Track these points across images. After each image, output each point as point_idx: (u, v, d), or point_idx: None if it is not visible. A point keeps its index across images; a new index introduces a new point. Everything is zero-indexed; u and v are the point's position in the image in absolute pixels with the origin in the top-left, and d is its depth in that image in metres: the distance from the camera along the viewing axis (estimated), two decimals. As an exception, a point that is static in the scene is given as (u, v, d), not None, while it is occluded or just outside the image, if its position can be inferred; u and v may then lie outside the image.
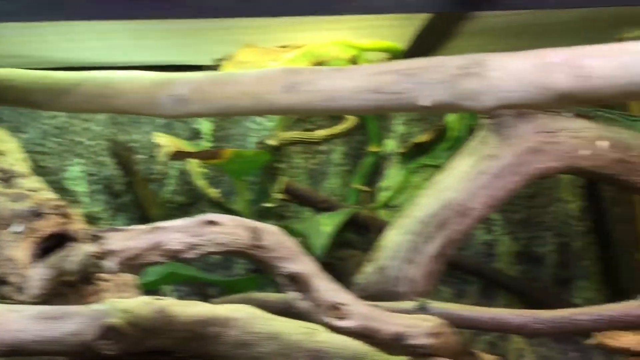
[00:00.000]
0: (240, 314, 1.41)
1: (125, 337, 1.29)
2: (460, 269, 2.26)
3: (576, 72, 1.07)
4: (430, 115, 2.23)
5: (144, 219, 2.13)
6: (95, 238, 1.16)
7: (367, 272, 1.72)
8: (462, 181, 1.65)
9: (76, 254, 1.25)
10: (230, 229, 1.21)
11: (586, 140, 1.68)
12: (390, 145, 2.25)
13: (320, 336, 1.40)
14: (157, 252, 1.17)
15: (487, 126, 1.66)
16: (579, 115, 1.70)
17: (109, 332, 1.26)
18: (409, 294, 1.65)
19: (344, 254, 2.18)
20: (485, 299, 2.30)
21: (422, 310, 1.41)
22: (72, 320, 1.27)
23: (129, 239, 1.17)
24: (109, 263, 1.15)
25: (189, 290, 2.14)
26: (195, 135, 2.22)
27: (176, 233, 1.19)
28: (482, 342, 2.24)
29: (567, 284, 2.31)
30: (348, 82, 1.24)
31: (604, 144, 1.67)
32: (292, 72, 1.28)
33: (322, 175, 2.30)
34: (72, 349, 1.28)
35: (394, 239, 1.69)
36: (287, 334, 1.41)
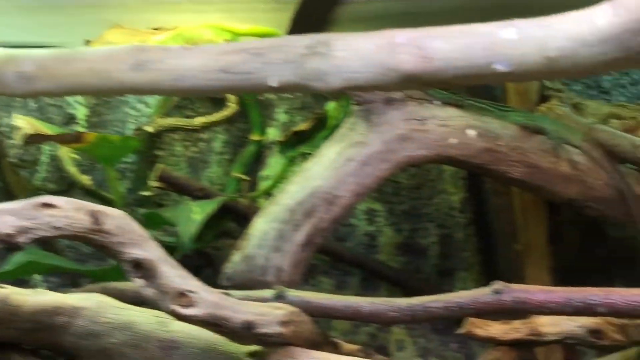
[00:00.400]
0: (89, 303, 1.36)
1: (-40, 327, 1.23)
2: (342, 260, 2.24)
3: (419, 53, 1.05)
4: (310, 102, 2.20)
5: (14, 206, 2.04)
6: None
7: (235, 261, 1.68)
8: (329, 169, 1.62)
9: None
10: (67, 212, 1.16)
11: (455, 129, 1.67)
12: (272, 134, 2.22)
13: (173, 326, 1.36)
14: (-15, 236, 1.11)
15: (355, 113, 1.64)
16: (448, 103, 1.69)
17: (-59, 322, 1.19)
18: (276, 283, 1.61)
19: (223, 244, 2.14)
20: (367, 291, 2.29)
21: (279, 298, 1.37)
22: None
23: (-45, 222, 1.10)
24: None
25: (60, 281, 2.07)
26: (70, 120, 2.14)
27: (7, 216, 1.12)
28: (362, 333, 2.23)
29: (449, 275, 2.31)
30: (197, 61, 1.20)
31: (472, 132, 1.67)
32: (141, 50, 1.23)
33: (203, 164, 2.25)
34: None
35: (262, 227, 1.66)
36: (139, 323, 1.36)
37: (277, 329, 1.25)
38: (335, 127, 1.99)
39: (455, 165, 1.73)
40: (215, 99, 2.23)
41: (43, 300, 1.33)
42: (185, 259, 2.17)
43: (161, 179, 2.07)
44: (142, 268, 1.21)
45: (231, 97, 2.18)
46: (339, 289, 2.29)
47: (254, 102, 2.20)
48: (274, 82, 1.16)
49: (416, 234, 2.31)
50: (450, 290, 2.32)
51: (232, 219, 2.21)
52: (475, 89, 2.15)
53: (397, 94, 1.64)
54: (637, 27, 0.95)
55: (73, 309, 1.33)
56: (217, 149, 2.25)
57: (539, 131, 1.77)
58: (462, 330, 1.70)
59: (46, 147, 2.09)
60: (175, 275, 1.22)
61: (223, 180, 2.23)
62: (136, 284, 1.22)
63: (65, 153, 2.06)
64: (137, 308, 1.39)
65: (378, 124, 1.62)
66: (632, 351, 1.94)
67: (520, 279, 2.25)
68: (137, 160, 2.16)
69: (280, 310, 1.27)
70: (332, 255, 2.22)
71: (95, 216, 1.17)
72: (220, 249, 2.12)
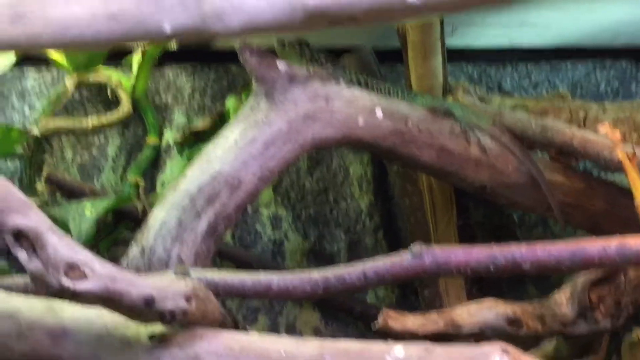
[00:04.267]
0: (-36, 293, 1.21)
1: None
2: (247, 268, 2.13)
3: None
4: (209, 105, 2.12)
5: None
6: None
7: (132, 255, 1.55)
8: (231, 151, 1.52)
9: None
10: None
11: (362, 109, 1.60)
12: (170, 137, 2.11)
13: (64, 312, 1.22)
14: None
15: (257, 91, 1.55)
16: (353, 82, 1.62)
17: None
18: (178, 276, 1.49)
19: (121, 252, 2.00)
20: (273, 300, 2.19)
21: (182, 276, 1.26)
22: None
23: None
24: None
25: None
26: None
27: None
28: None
29: (359, 282, 2.23)
30: (82, 8, 1.09)
31: (380, 113, 1.60)
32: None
33: (95, 170, 2.11)
34: None
35: (160, 216, 1.53)
36: (23, 311, 1.21)
37: (181, 304, 1.13)
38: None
39: (364, 148, 1.65)
40: (108, 101, 2.11)
41: None
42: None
43: (49, 181, 1.93)
44: (25, 239, 1.08)
45: (124, 98, 2.06)
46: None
47: (148, 103, 2.09)
48: (168, 28, 1.06)
49: (323, 240, 2.23)
50: (361, 299, 2.27)
51: (128, 228, 2.08)
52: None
53: (300, 71, 1.56)
54: None
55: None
56: (111, 154, 2.12)
57: (447, 115, 1.72)
58: (378, 325, 1.63)
59: None
60: (64, 246, 1.09)
61: (117, 188, 2.10)
62: (19, 257, 1.09)
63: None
64: (24, 296, 1.25)
65: (281, 102, 1.53)
66: (550, 347, 1.90)
67: (433, 282, 2.19)
68: (23, 167, 2.02)
69: (183, 284, 1.15)
70: (237, 263, 2.11)
71: (-33, 179, 1.04)
72: (116, 259, 1.98)
